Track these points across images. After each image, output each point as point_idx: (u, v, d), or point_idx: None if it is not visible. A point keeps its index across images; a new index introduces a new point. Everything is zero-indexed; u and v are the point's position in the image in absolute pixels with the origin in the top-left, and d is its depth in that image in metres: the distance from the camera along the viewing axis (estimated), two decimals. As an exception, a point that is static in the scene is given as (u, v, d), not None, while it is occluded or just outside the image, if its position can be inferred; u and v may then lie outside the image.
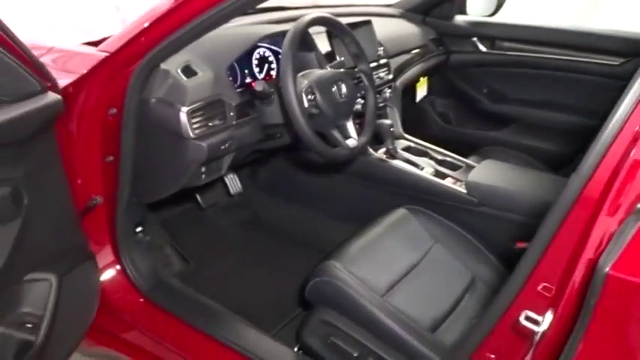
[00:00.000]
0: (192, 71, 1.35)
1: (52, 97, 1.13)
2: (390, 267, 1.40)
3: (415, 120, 2.49)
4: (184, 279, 1.68)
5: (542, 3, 4.30)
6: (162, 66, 1.30)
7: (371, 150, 1.80)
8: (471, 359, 1.00)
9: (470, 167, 1.78)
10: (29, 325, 1.21)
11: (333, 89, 1.43)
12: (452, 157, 1.87)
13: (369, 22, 1.97)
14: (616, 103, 0.92)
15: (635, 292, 0.70)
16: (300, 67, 1.45)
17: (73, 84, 1.27)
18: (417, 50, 2.30)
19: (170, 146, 1.34)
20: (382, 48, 2.01)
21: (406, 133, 2.02)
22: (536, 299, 0.86)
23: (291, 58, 1.32)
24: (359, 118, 1.63)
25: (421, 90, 2.47)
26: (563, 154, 2.28)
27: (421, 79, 2.42)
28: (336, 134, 1.46)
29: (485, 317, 0.98)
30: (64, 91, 1.21)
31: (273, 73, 1.64)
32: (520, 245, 0.96)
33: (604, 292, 0.70)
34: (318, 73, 1.45)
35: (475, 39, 2.47)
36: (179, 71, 1.32)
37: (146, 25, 1.19)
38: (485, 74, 2.51)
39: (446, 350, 1.22)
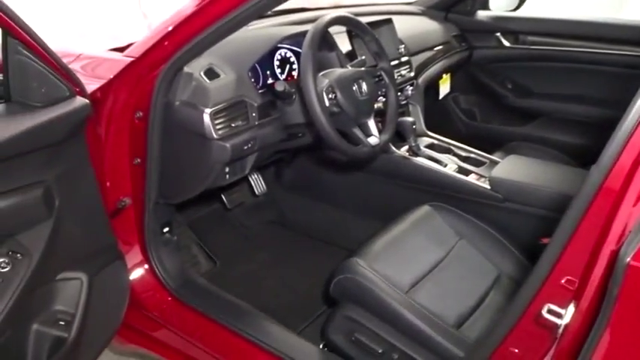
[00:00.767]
0: (215, 73, 1.38)
1: (80, 101, 1.17)
2: (414, 264, 1.40)
3: (439, 117, 2.49)
4: (211, 278, 1.71)
5: (565, 4, 4.21)
6: (186, 69, 1.33)
7: (393, 147, 1.80)
8: (494, 354, 0.99)
9: (494, 163, 1.77)
10: (62, 323, 1.25)
11: (354, 87, 1.44)
12: (475, 153, 1.86)
13: (389, 21, 1.97)
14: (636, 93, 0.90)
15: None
16: (321, 66, 1.46)
17: (101, 89, 1.32)
18: (439, 47, 2.29)
19: (195, 147, 1.37)
20: (403, 46, 2.01)
21: (431, 130, 2.01)
22: (559, 292, 0.85)
23: (311, 57, 1.33)
24: (381, 116, 1.63)
25: (444, 87, 2.46)
26: (590, 147, 2.21)
27: (444, 76, 2.40)
28: (358, 132, 1.46)
29: (508, 312, 0.97)
30: (92, 96, 1.24)
31: (295, 73, 1.66)
32: (545, 241, 0.95)
33: (625, 282, 0.69)
34: (338, 71, 1.45)
35: (498, 34, 2.45)
36: (202, 74, 1.35)
37: (170, 29, 1.22)
38: (510, 69, 2.49)
39: (470, 346, 1.21)
